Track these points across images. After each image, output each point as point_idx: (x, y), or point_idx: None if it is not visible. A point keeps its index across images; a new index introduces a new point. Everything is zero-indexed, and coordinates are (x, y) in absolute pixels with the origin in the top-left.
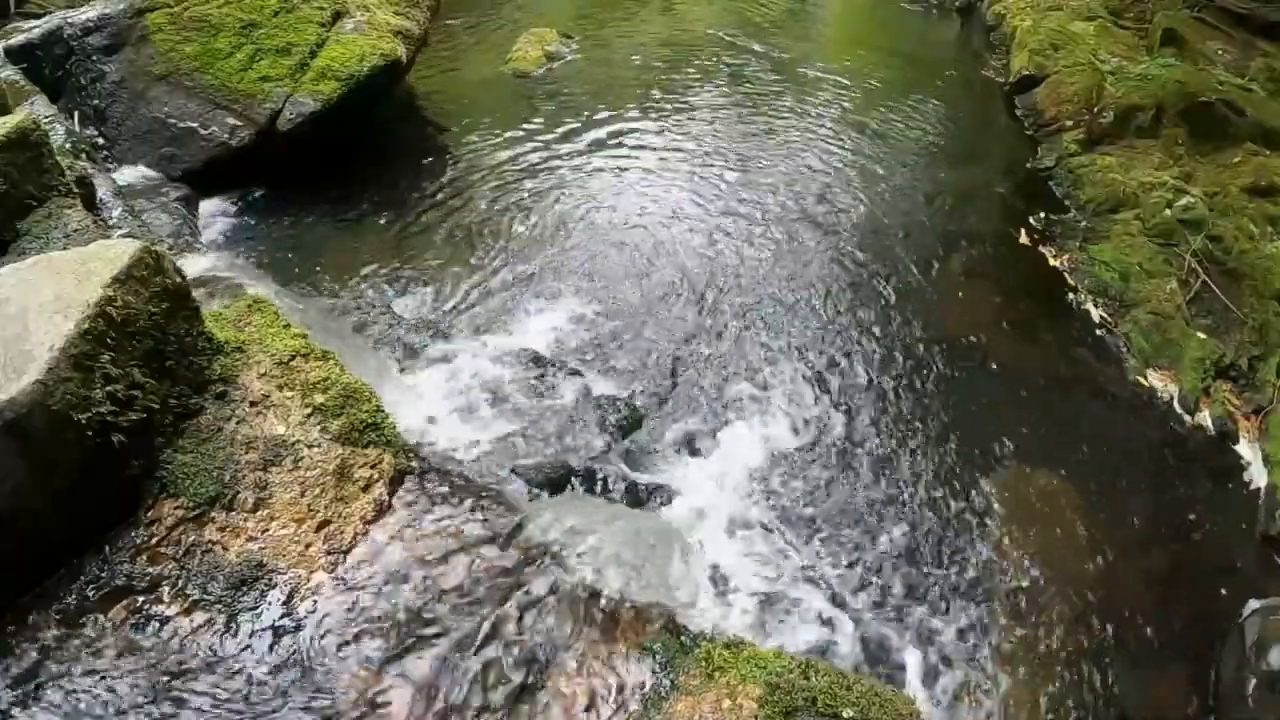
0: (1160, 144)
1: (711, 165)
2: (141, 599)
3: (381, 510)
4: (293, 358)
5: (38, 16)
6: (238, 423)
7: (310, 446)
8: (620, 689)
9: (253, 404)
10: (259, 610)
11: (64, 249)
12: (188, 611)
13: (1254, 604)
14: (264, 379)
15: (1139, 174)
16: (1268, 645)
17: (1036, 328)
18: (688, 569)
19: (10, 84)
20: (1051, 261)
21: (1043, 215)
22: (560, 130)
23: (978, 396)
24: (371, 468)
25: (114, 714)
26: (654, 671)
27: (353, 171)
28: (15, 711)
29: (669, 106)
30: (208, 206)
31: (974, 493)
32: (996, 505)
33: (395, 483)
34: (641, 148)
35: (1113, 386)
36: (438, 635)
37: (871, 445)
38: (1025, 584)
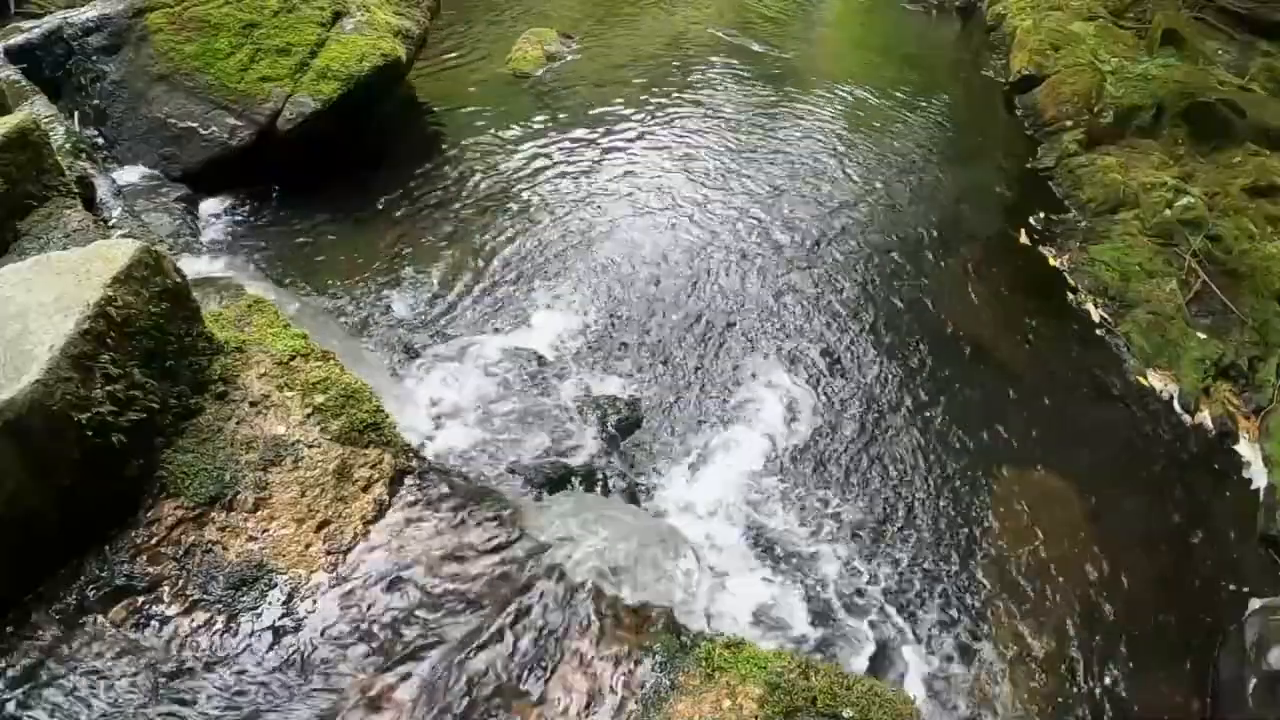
0: (1160, 144)
1: (711, 165)
2: (141, 599)
3: (381, 510)
4: (293, 358)
5: (38, 16)
6: (238, 423)
7: (310, 446)
8: (620, 689)
9: (253, 404)
10: (259, 610)
11: (64, 249)
12: (188, 611)
13: (1254, 604)
14: (264, 379)
15: (1139, 174)
16: (1268, 645)
17: (1036, 328)
18: (688, 568)
19: (10, 84)
20: (1051, 261)
21: (1043, 215)
22: (560, 131)
23: (977, 397)
24: (371, 468)
25: (114, 714)
26: (654, 671)
27: (353, 172)
28: (15, 711)
29: (668, 107)
30: (208, 206)
31: (973, 492)
32: (996, 505)
33: (395, 483)
34: (641, 148)
35: (1113, 386)
36: (438, 635)
37: (871, 445)
38: (1025, 584)
